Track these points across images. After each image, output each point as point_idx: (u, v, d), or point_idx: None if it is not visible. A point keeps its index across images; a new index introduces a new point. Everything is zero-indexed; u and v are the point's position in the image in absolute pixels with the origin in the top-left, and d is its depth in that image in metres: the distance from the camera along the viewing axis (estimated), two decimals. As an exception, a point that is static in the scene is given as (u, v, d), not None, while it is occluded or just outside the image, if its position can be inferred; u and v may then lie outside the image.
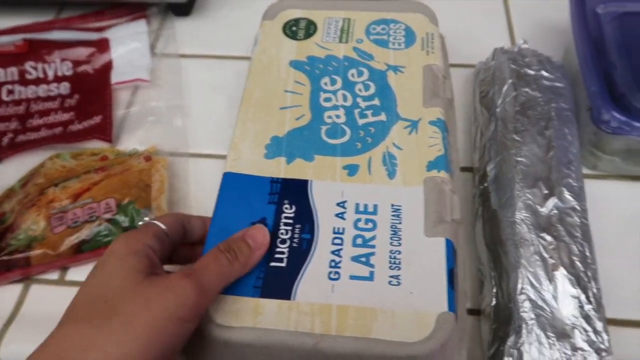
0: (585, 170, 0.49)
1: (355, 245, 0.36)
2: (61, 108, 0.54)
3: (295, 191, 0.38)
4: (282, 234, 0.36)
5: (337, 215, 0.37)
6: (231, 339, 0.32)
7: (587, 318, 0.37)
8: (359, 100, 0.44)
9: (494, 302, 0.39)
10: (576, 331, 0.36)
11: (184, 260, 0.39)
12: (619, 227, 0.46)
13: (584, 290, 0.38)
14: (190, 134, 0.54)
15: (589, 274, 0.39)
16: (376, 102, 0.43)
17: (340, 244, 0.36)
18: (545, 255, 0.39)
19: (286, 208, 0.38)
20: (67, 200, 0.46)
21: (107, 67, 0.58)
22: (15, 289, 0.45)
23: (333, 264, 0.35)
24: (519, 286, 0.38)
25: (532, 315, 0.37)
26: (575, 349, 0.36)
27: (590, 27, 0.49)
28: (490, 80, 0.50)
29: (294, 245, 0.36)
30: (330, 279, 0.34)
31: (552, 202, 0.41)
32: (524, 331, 0.36)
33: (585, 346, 0.36)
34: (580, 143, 0.47)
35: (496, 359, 0.37)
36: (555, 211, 0.41)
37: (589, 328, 0.37)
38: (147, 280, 0.31)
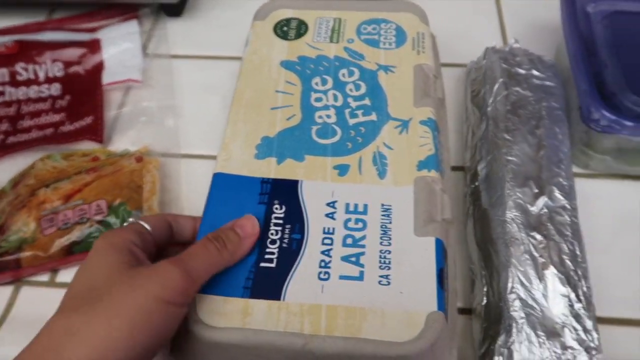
0: (576, 169, 0.49)
1: (345, 245, 0.36)
2: (52, 109, 0.54)
3: (285, 191, 0.38)
4: (272, 234, 0.36)
5: (327, 215, 0.37)
6: (220, 340, 0.32)
7: (577, 317, 0.37)
8: (349, 100, 0.44)
9: (484, 301, 0.39)
10: (566, 330, 0.36)
11: None
12: (610, 226, 0.46)
13: (574, 288, 0.38)
14: (182, 135, 0.53)
15: (579, 272, 0.39)
16: (367, 101, 0.43)
17: (330, 244, 0.36)
18: (536, 254, 0.39)
19: (276, 208, 0.38)
20: (58, 202, 0.46)
21: (99, 67, 0.57)
22: (6, 291, 0.45)
23: (323, 264, 0.35)
24: (509, 285, 0.38)
25: (522, 314, 0.37)
26: (565, 347, 0.36)
27: (580, 26, 0.50)
28: (482, 79, 0.50)
29: (284, 245, 0.36)
30: (320, 279, 0.34)
31: (543, 201, 0.41)
32: (514, 330, 0.36)
33: (575, 345, 0.36)
34: (572, 142, 0.47)
35: (487, 357, 0.37)
36: (546, 210, 0.41)
37: (578, 327, 0.37)
38: (133, 270, 0.31)
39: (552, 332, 0.36)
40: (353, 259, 0.35)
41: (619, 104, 0.45)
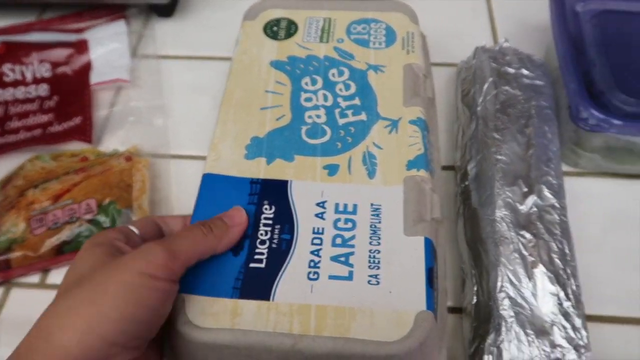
0: (566, 168, 0.49)
1: (334, 245, 0.36)
2: (40, 110, 0.54)
3: (275, 192, 0.38)
4: (261, 234, 0.36)
5: (316, 215, 0.37)
6: (209, 341, 0.32)
7: (566, 315, 0.37)
8: (339, 100, 0.44)
9: (474, 300, 0.40)
10: (555, 328, 0.37)
11: None
12: (599, 224, 0.46)
13: (563, 287, 0.38)
14: (172, 135, 0.53)
15: (568, 271, 0.39)
16: (357, 101, 0.43)
17: (320, 244, 0.36)
18: (525, 253, 0.39)
19: (266, 209, 0.38)
20: (47, 202, 0.46)
21: (86, 68, 0.57)
22: (-5, 293, 0.44)
23: (312, 264, 0.35)
24: (499, 284, 0.38)
25: (512, 313, 0.37)
26: (554, 345, 0.36)
27: (569, 25, 0.50)
28: (472, 79, 0.50)
29: (274, 246, 0.36)
30: (310, 279, 0.34)
31: (532, 200, 0.41)
32: (503, 329, 0.37)
33: (564, 343, 0.36)
34: (561, 141, 0.48)
35: (476, 356, 0.37)
36: (535, 209, 0.41)
37: (567, 325, 0.37)
38: (117, 257, 0.31)
39: (541, 331, 0.37)
40: (342, 258, 0.35)
41: (607, 102, 0.45)
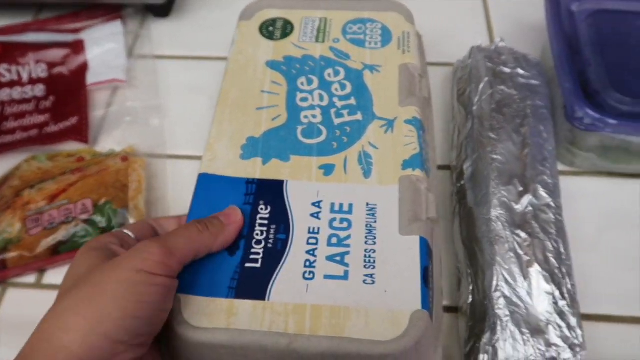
0: (562, 167, 0.49)
1: (330, 244, 0.36)
2: (36, 110, 0.54)
3: (270, 192, 0.38)
4: (257, 234, 0.36)
5: (312, 215, 0.37)
6: (205, 341, 0.32)
7: (561, 314, 0.37)
8: (335, 99, 0.44)
9: (470, 300, 0.40)
10: (550, 327, 0.37)
11: None
12: (595, 223, 0.46)
13: (558, 286, 0.38)
14: (169, 135, 0.53)
15: (564, 270, 0.39)
16: (352, 101, 0.43)
17: (315, 244, 0.36)
18: (520, 252, 0.39)
19: (261, 209, 0.38)
20: (43, 202, 0.46)
21: (83, 68, 0.57)
22: (-8, 293, 0.44)
23: (308, 263, 0.35)
24: (494, 283, 0.38)
25: (507, 312, 0.37)
26: (549, 344, 0.36)
27: (565, 25, 0.50)
28: (467, 78, 0.50)
29: (269, 245, 0.36)
30: (305, 278, 0.34)
31: (527, 199, 0.42)
32: (498, 328, 0.37)
33: (559, 342, 0.36)
34: (557, 140, 0.48)
35: (472, 356, 0.37)
36: (530, 208, 0.41)
37: (563, 324, 0.37)
38: (113, 259, 0.31)
39: (537, 330, 0.37)
40: (338, 258, 0.35)
41: (602, 102, 0.45)
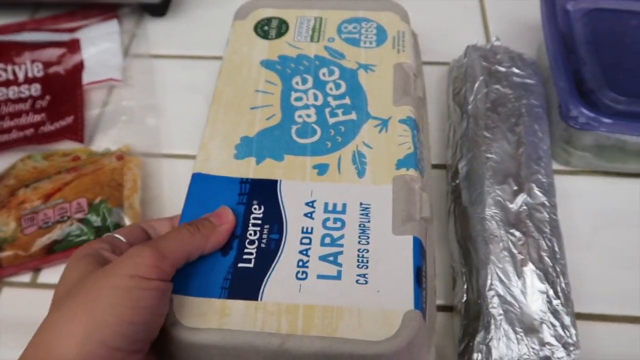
0: (557, 166, 0.49)
1: (323, 244, 0.36)
2: (32, 109, 0.54)
3: (264, 191, 0.38)
4: (250, 234, 0.36)
5: (305, 214, 0.37)
6: (197, 341, 0.32)
7: (555, 313, 0.37)
8: (329, 99, 0.43)
9: (464, 298, 0.40)
10: (544, 326, 0.37)
11: None
12: (590, 222, 0.46)
13: (553, 285, 0.38)
14: (165, 134, 0.53)
15: (558, 269, 0.39)
16: (347, 100, 0.43)
17: (309, 244, 0.36)
18: (514, 251, 0.39)
19: (255, 209, 0.37)
20: (38, 201, 0.46)
21: (79, 67, 0.57)
22: (-14, 293, 0.44)
23: (301, 263, 0.35)
24: (488, 282, 0.38)
25: (501, 311, 0.37)
26: (543, 343, 0.36)
27: (560, 24, 0.50)
28: (463, 77, 0.50)
29: (262, 245, 0.36)
30: (298, 278, 0.34)
31: (522, 198, 0.42)
32: (492, 327, 0.37)
33: (553, 341, 0.36)
34: (553, 139, 0.48)
35: (466, 354, 0.37)
36: (525, 207, 0.41)
37: (556, 323, 0.37)
38: (105, 266, 0.31)
39: (530, 329, 0.37)
40: (331, 258, 0.35)
41: (597, 101, 0.45)
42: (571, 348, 0.36)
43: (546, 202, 0.42)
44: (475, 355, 0.36)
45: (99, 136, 0.54)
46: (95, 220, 0.45)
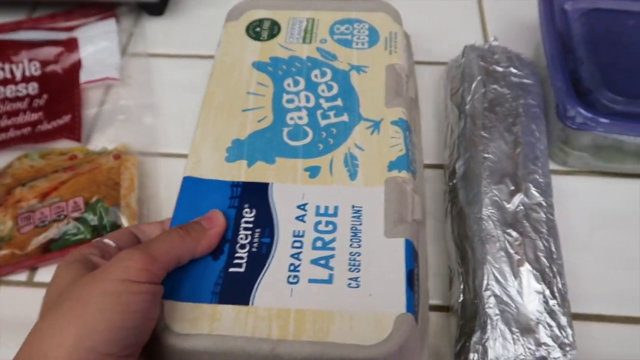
0: (555, 166, 0.49)
1: (315, 248, 0.35)
2: (29, 108, 0.54)
3: (255, 195, 0.38)
4: (241, 239, 0.36)
5: (297, 218, 0.37)
6: (187, 347, 0.32)
7: (551, 313, 0.37)
8: (321, 101, 0.43)
9: (461, 298, 0.40)
10: (540, 326, 0.37)
11: None
12: (587, 223, 0.46)
13: (549, 285, 0.38)
14: (162, 133, 0.53)
15: (554, 269, 0.39)
16: (339, 102, 0.43)
17: (300, 247, 0.35)
18: (511, 251, 0.39)
19: (246, 212, 0.37)
20: (34, 200, 0.46)
21: (76, 66, 0.57)
22: (-17, 292, 0.44)
23: (292, 267, 0.35)
24: (485, 282, 0.38)
25: (497, 311, 0.37)
26: (539, 344, 0.36)
27: (558, 24, 0.50)
28: (460, 77, 0.50)
29: (254, 250, 0.35)
30: (289, 282, 0.34)
31: (519, 198, 0.41)
32: (488, 327, 0.37)
33: (549, 341, 0.36)
34: (550, 139, 0.48)
35: (462, 354, 0.37)
36: (521, 207, 0.41)
37: (553, 323, 0.37)
38: (94, 271, 0.30)
39: (527, 329, 0.37)
40: (323, 261, 0.35)
41: (594, 101, 0.45)
42: (567, 348, 0.36)
43: (543, 202, 0.42)
44: (471, 356, 0.36)
45: (96, 135, 0.53)
46: (92, 219, 0.45)
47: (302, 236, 0.36)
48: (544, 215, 0.41)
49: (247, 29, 0.49)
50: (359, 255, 0.35)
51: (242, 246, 0.36)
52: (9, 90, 0.56)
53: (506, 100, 0.47)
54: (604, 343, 0.40)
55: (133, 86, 0.56)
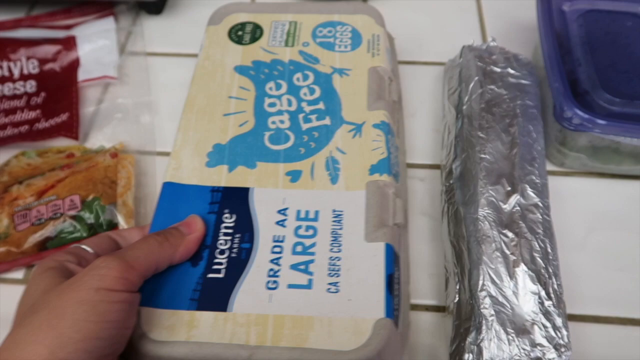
0: (552, 167, 0.49)
1: (295, 253, 0.35)
2: (27, 106, 0.54)
3: (235, 200, 0.38)
4: (221, 244, 0.36)
5: (277, 223, 0.37)
6: (164, 354, 0.31)
7: (546, 314, 0.37)
8: (303, 104, 0.43)
9: (456, 299, 0.39)
10: (536, 327, 0.36)
11: None
12: (583, 224, 0.46)
13: (545, 286, 0.38)
14: (159, 132, 0.53)
15: (550, 270, 0.39)
16: (321, 106, 0.43)
17: (280, 252, 0.35)
18: (507, 251, 0.39)
19: (226, 217, 0.37)
20: (31, 198, 0.46)
21: (74, 64, 0.57)
22: (-22, 290, 0.45)
23: (272, 272, 0.34)
24: (480, 283, 0.38)
25: (492, 312, 0.37)
26: (534, 344, 0.36)
27: (555, 25, 0.49)
28: (458, 77, 0.50)
29: (233, 255, 0.35)
30: (268, 288, 0.34)
31: (515, 198, 0.41)
32: (484, 327, 0.36)
33: (544, 342, 0.36)
34: (547, 140, 0.47)
35: (457, 355, 0.37)
36: (518, 208, 0.41)
37: (548, 324, 0.37)
38: (70, 279, 0.30)
39: (522, 330, 0.36)
40: (302, 267, 0.35)
41: (592, 102, 0.45)
42: (562, 349, 0.36)
43: (539, 203, 0.42)
44: (466, 356, 0.36)
45: (93, 133, 0.54)
46: (89, 217, 0.45)
47: (282, 241, 0.36)
48: (540, 216, 0.41)
49: (229, 33, 0.48)
50: (339, 260, 0.35)
51: (222, 252, 0.35)
52: (7, 88, 0.56)
53: (503, 101, 0.46)
54: (599, 344, 0.40)
55: (131, 85, 0.56)
